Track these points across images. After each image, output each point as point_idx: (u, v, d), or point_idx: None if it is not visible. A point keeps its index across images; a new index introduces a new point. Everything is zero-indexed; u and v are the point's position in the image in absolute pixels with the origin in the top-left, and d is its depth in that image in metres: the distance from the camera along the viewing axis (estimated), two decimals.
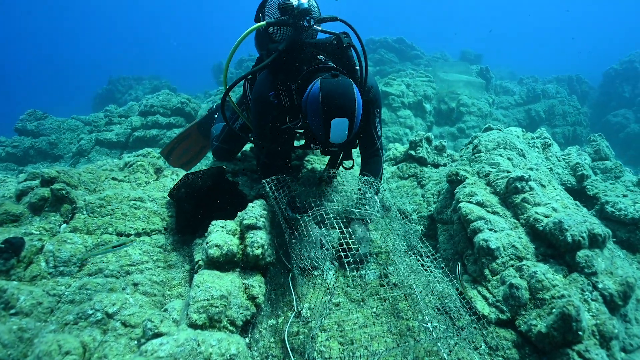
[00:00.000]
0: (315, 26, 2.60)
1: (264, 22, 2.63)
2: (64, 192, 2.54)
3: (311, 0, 2.84)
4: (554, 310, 2.28)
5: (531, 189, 3.09)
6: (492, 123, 10.97)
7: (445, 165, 4.65)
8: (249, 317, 2.09)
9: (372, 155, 2.98)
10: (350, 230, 2.53)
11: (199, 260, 2.43)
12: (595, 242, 2.63)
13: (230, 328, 1.97)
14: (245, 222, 2.32)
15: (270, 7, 2.86)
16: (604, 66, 18.94)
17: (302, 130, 2.89)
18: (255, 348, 2.10)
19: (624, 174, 5.80)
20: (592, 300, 2.41)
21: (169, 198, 2.87)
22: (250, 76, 3.14)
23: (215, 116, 4.55)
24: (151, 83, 15.99)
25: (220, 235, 2.22)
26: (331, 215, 2.28)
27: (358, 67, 2.63)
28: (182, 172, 3.40)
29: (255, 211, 2.37)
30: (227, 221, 2.38)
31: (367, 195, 2.64)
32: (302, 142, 4.24)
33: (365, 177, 2.70)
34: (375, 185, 2.70)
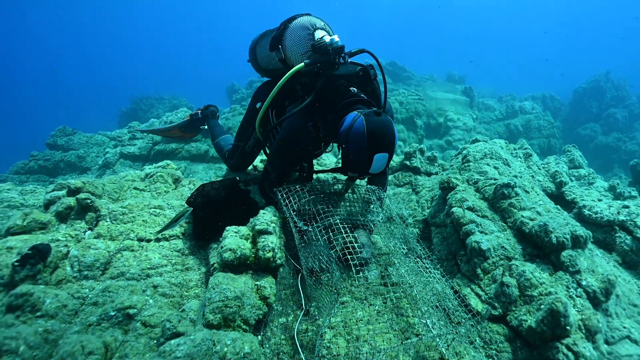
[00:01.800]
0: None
1: (302, 65, 2.44)
2: (88, 201, 2.47)
3: (330, 29, 2.73)
4: (542, 306, 2.20)
5: (517, 194, 3.02)
6: (477, 136, 10.97)
7: (436, 174, 4.58)
8: (261, 316, 2.01)
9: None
10: (355, 234, 2.46)
11: (214, 263, 2.36)
12: (578, 243, 2.56)
13: (244, 327, 1.89)
14: (257, 227, 2.24)
15: (294, 41, 2.64)
16: (574, 85, 19.01)
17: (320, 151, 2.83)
18: (267, 345, 2.01)
19: (596, 180, 5.74)
20: (577, 296, 2.34)
21: (186, 206, 2.80)
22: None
23: (205, 127, 4.45)
24: (170, 102, 15.93)
25: (234, 240, 2.14)
26: (338, 221, 2.21)
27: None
28: (197, 182, 3.33)
29: (266, 217, 2.30)
30: (240, 227, 2.30)
31: (371, 205, 2.58)
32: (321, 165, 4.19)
33: (371, 187, 2.63)
34: (378, 193, 2.64)
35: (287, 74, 2.51)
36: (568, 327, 2.03)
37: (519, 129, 12.28)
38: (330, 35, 2.53)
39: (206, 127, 4.42)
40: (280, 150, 2.61)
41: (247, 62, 3.46)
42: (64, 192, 2.63)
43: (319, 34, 2.57)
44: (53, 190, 2.64)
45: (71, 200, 2.48)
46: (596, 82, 18.01)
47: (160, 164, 3.52)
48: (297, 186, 2.46)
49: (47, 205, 2.58)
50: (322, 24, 2.69)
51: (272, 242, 2.19)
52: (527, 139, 12.30)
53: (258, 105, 3.02)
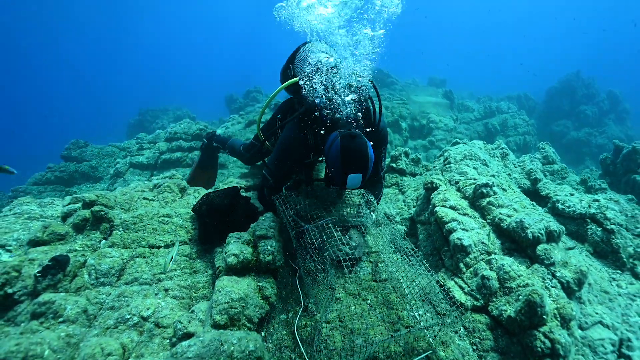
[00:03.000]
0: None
1: (296, 79, 2.60)
2: (102, 213, 2.47)
3: (333, 54, 2.81)
4: (520, 297, 2.23)
5: (495, 193, 3.06)
6: (457, 136, 11.00)
7: (421, 174, 4.62)
8: (263, 314, 2.03)
9: (376, 182, 2.96)
10: (348, 236, 2.49)
11: (219, 266, 2.37)
12: (552, 237, 2.60)
13: (248, 325, 1.91)
14: (257, 233, 2.27)
15: (299, 61, 2.80)
16: (546, 84, 19.10)
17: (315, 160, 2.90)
18: (270, 340, 2.04)
19: (569, 174, 5.81)
20: (552, 287, 2.38)
21: (192, 213, 2.81)
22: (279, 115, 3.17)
23: (215, 144, 4.71)
24: (174, 113, 15.79)
25: (237, 245, 2.16)
26: (331, 224, 2.24)
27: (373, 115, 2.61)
28: (202, 191, 3.34)
29: (265, 223, 2.33)
30: (242, 232, 2.33)
31: (363, 209, 2.62)
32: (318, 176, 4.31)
33: (362, 191, 2.67)
34: (366, 196, 2.68)
35: (280, 87, 2.66)
36: (544, 316, 2.07)
37: (497, 128, 12.33)
38: (331, 57, 2.62)
39: (215, 144, 4.70)
40: (277, 155, 2.70)
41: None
42: (79, 205, 2.63)
43: (320, 56, 2.65)
44: (69, 204, 2.64)
45: (86, 213, 2.49)
46: (567, 82, 18.10)
47: (166, 174, 3.53)
48: (293, 193, 2.49)
49: (64, 218, 2.58)
50: (329, 49, 2.81)
51: (272, 246, 2.21)
52: (504, 136, 12.36)
53: (279, 116, 3.16)
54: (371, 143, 2.24)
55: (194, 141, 7.46)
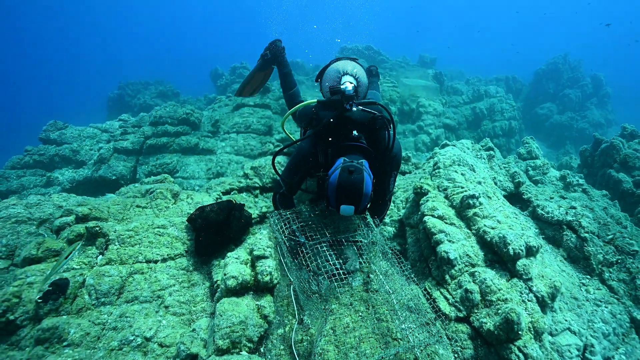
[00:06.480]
0: (356, 107, 2.69)
1: (314, 100, 2.89)
2: (97, 228, 2.46)
3: (361, 76, 2.99)
4: (499, 311, 2.42)
5: (480, 204, 3.19)
6: (445, 121, 11.07)
7: (410, 172, 4.72)
8: (262, 333, 2.14)
9: (380, 204, 3.15)
10: (343, 255, 2.60)
11: (217, 280, 2.45)
12: (531, 252, 2.77)
13: (249, 345, 2.02)
14: (255, 252, 2.33)
15: (326, 78, 3.01)
16: (535, 66, 19.21)
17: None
18: (269, 357, 2.17)
19: (550, 170, 6.04)
20: (528, 300, 2.57)
21: (187, 223, 2.83)
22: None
23: (275, 65, 4.57)
24: (157, 88, 14.95)
25: (235, 267, 2.23)
26: (325, 248, 2.32)
27: (386, 141, 2.76)
28: (194, 196, 3.33)
29: (262, 243, 2.39)
30: (239, 251, 2.39)
31: (361, 228, 2.76)
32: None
33: (366, 215, 2.83)
34: (362, 216, 2.81)
35: (299, 105, 2.99)
36: (520, 332, 2.26)
37: (484, 112, 12.48)
38: (352, 83, 2.85)
39: (275, 65, 4.53)
40: (290, 164, 2.92)
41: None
42: (72, 217, 2.61)
43: (344, 79, 2.91)
44: (61, 216, 2.61)
45: (80, 228, 2.48)
46: (554, 64, 18.27)
47: (157, 177, 3.50)
48: (288, 213, 2.55)
49: (57, 231, 2.56)
50: (354, 71, 2.98)
51: (269, 266, 2.29)
52: (491, 121, 12.55)
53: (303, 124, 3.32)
54: (372, 176, 2.43)
55: (180, 126, 7.26)
